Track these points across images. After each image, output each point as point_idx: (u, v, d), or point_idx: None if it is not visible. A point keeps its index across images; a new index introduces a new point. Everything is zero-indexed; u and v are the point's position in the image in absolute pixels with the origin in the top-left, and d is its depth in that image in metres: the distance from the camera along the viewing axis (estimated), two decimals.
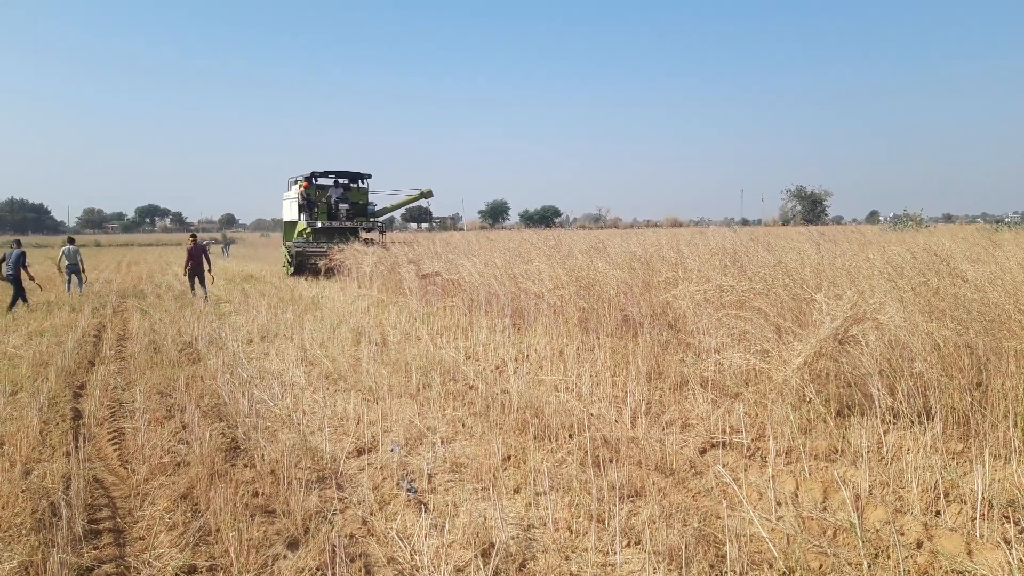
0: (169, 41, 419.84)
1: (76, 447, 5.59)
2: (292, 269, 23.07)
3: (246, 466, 5.40)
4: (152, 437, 6.00)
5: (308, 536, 4.21)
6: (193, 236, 17.62)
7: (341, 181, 24.84)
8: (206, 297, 16.62)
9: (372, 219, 24.86)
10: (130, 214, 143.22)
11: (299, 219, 23.92)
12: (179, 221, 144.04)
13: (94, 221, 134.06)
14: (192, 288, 17.27)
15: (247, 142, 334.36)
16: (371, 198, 25.24)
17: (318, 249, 22.37)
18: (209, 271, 17.16)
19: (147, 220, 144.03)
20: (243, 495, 4.74)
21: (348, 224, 23.73)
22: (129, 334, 11.74)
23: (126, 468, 5.52)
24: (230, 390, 7.33)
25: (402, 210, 27.04)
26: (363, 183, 25.21)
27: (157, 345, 10.25)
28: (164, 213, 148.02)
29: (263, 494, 4.85)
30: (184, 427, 6.32)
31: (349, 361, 8.65)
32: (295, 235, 24.03)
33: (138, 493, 5.00)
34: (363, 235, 23.84)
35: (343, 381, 7.88)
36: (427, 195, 25.25)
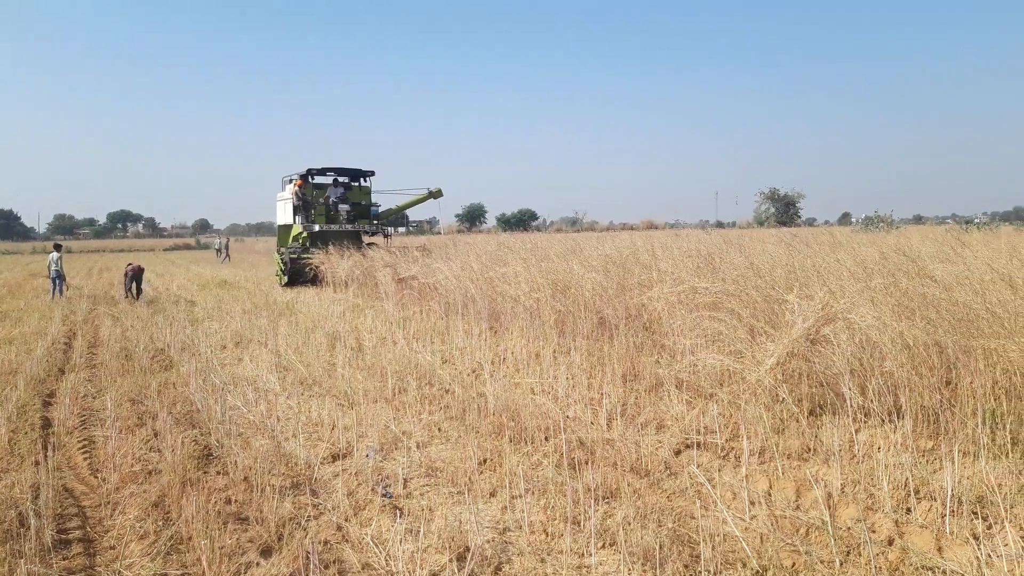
0: (141, 42, 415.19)
1: (45, 456, 5.50)
2: (286, 279, 20.82)
3: (219, 473, 5.35)
4: (123, 445, 5.90)
5: (282, 543, 4.17)
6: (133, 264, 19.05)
7: (341, 179, 22.50)
8: (139, 296, 18.02)
9: (376, 222, 22.62)
10: (102, 220, 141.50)
11: (294, 222, 21.74)
12: (152, 227, 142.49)
13: (65, 227, 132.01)
14: (130, 292, 18.20)
15: (222, 146, 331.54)
16: (374, 198, 23.09)
17: (315, 256, 20.06)
18: (141, 283, 18.70)
19: (119, 226, 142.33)
20: (216, 503, 4.69)
21: (349, 227, 21.62)
22: (100, 341, 11.56)
23: (96, 477, 5.44)
24: (203, 397, 7.24)
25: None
26: (366, 182, 22.89)
27: (129, 352, 10.11)
28: (136, 219, 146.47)
29: (236, 501, 4.80)
30: (156, 435, 6.23)
31: (324, 366, 8.60)
32: (289, 240, 21.98)
33: (109, 502, 4.93)
34: (366, 239, 22.21)
35: (318, 386, 7.83)
36: (436, 195, 22.98)
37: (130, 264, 18.91)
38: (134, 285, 18.28)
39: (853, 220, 43.39)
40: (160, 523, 4.52)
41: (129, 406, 7.28)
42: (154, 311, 15.19)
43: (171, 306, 16.05)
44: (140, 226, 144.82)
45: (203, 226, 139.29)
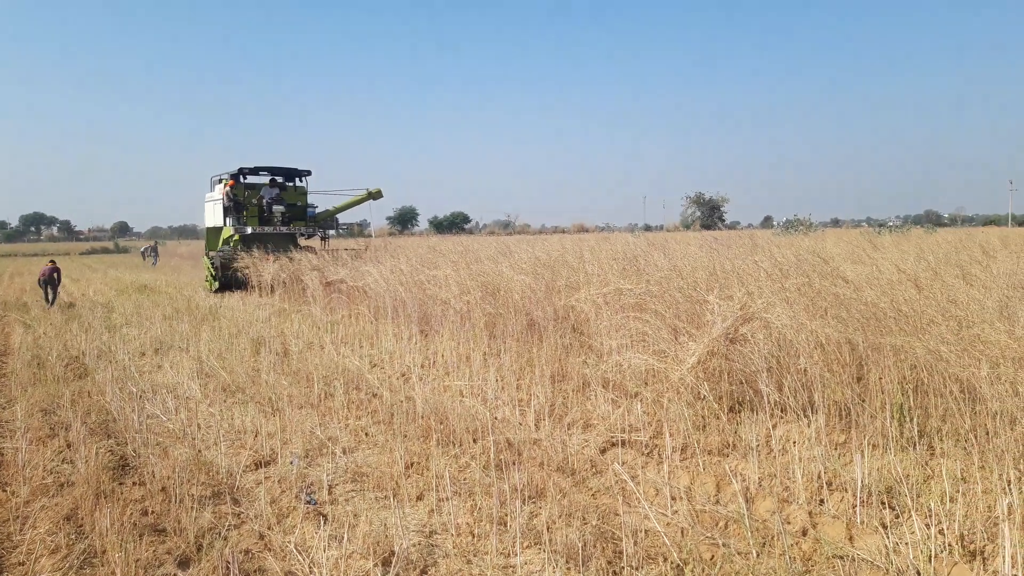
0: (53, 38, 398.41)
1: None
2: (217, 284, 19.69)
3: (135, 484, 5.18)
4: (34, 457, 5.67)
5: (201, 553, 4.06)
6: (52, 261, 18.41)
7: (275, 179, 21.37)
8: (53, 302, 17.51)
9: (313, 223, 21.66)
10: (13, 223, 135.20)
11: (225, 224, 20.59)
12: (67, 230, 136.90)
13: None
14: (46, 295, 17.75)
15: (142, 146, 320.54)
16: (311, 199, 22.00)
17: (259, 260, 18.83)
18: (59, 283, 18.27)
19: (32, 229, 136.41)
20: (131, 514, 4.55)
21: (284, 229, 20.59)
22: (10, 349, 11.07)
23: (5, 491, 5.19)
24: (119, 405, 7.00)
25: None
26: (301, 181, 21.86)
27: (41, 360, 9.70)
28: (51, 222, 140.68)
29: (153, 512, 4.65)
30: (69, 445, 6.00)
31: (248, 372, 8.41)
32: (220, 243, 20.76)
33: (18, 516, 4.72)
34: (302, 242, 21.40)
35: (241, 393, 7.65)
36: (376, 196, 21.99)
37: (44, 267, 18.15)
38: (48, 288, 17.57)
39: (775, 223, 44.93)
40: (72, 536, 4.36)
41: (41, 416, 6.99)
42: (68, 317, 14.60)
43: (87, 312, 15.46)
44: (55, 229, 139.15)
45: (122, 229, 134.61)
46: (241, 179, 20.93)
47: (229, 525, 4.46)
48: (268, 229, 20.34)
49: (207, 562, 3.92)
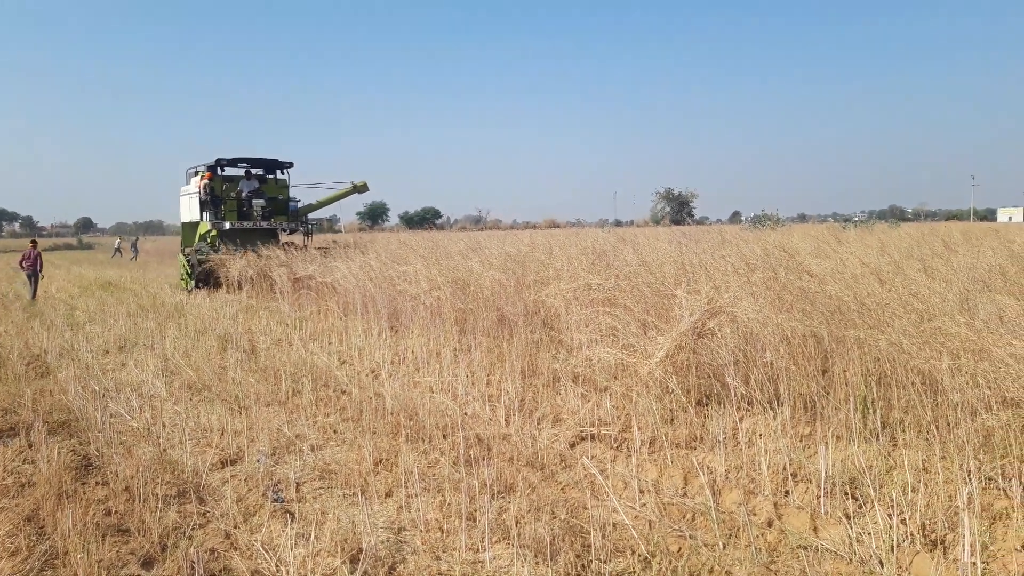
0: (10, 28, 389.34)
1: None
2: (193, 283, 18.54)
3: (98, 484, 5.09)
4: None
5: (165, 553, 4.01)
6: (33, 242, 18.36)
7: (255, 171, 20.28)
8: (34, 296, 17.35)
9: (295, 218, 20.67)
10: None
11: (201, 219, 19.62)
12: (29, 226, 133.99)
13: None
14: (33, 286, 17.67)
15: (106, 141, 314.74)
16: (292, 193, 21.02)
17: (227, 256, 18.05)
18: (41, 273, 18.12)
19: None
20: (94, 514, 4.47)
21: (264, 224, 19.62)
22: None
23: None
24: (82, 404, 6.88)
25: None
26: (282, 174, 20.87)
27: (1, 359, 9.49)
28: (12, 217, 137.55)
29: (117, 512, 4.58)
30: (30, 445, 5.89)
31: (214, 370, 8.30)
32: (196, 239, 19.67)
33: None
34: (283, 238, 20.50)
35: (207, 391, 7.55)
36: (361, 189, 21.36)
37: (32, 245, 18.01)
38: (33, 281, 17.51)
39: (743, 219, 45.51)
40: (33, 538, 4.28)
41: (1, 416, 6.85)
42: (30, 315, 14.31)
43: (49, 309, 15.16)
44: (16, 225, 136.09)
45: (86, 225, 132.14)
46: (219, 171, 19.97)
47: (194, 524, 4.40)
48: (247, 224, 19.44)
49: (172, 562, 3.86)
